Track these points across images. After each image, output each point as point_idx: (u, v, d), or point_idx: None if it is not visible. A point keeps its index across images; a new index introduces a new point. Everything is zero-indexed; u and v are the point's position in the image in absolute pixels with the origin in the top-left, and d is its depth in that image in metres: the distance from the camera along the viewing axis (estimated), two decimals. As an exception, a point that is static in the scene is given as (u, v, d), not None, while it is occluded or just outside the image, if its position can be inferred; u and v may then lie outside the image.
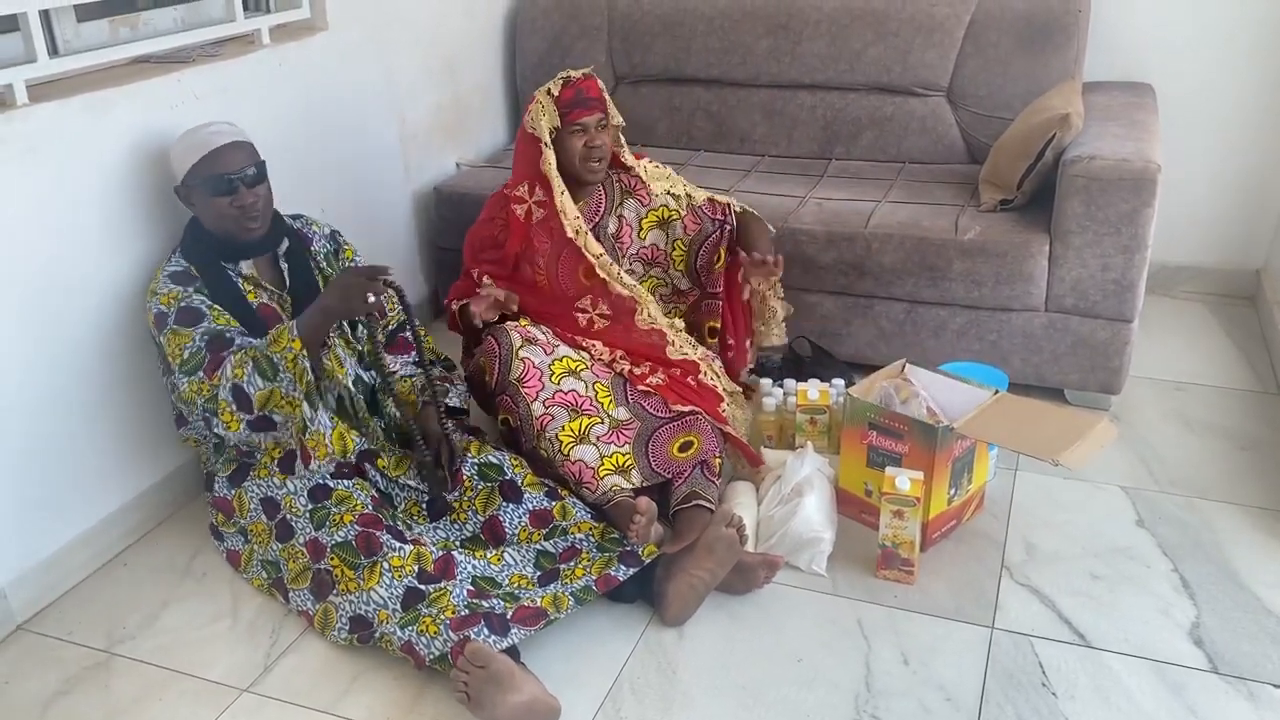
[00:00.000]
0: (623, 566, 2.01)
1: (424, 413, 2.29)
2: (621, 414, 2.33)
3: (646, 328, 2.42)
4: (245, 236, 2.15)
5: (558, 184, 2.41)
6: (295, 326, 2.00)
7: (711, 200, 2.60)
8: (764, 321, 2.65)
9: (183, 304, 2.07)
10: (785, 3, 3.33)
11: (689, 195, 2.59)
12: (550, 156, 2.40)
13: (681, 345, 2.44)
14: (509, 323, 2.39)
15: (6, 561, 2.06)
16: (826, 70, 3.29)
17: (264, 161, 2.15)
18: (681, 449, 2.29)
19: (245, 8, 2.54)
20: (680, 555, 2.05)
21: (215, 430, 2.07)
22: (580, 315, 2.48)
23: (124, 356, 2.23)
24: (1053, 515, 2.33)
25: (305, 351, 1.98)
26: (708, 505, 2.18)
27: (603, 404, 2.33)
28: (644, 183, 2.57)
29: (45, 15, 2.12)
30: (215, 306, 2.09)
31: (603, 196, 2.56)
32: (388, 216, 3.11)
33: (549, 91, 2.41)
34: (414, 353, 2.37)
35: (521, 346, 2.34)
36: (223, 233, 2.13)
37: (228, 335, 2.06)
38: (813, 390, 2.48)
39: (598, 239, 2.49)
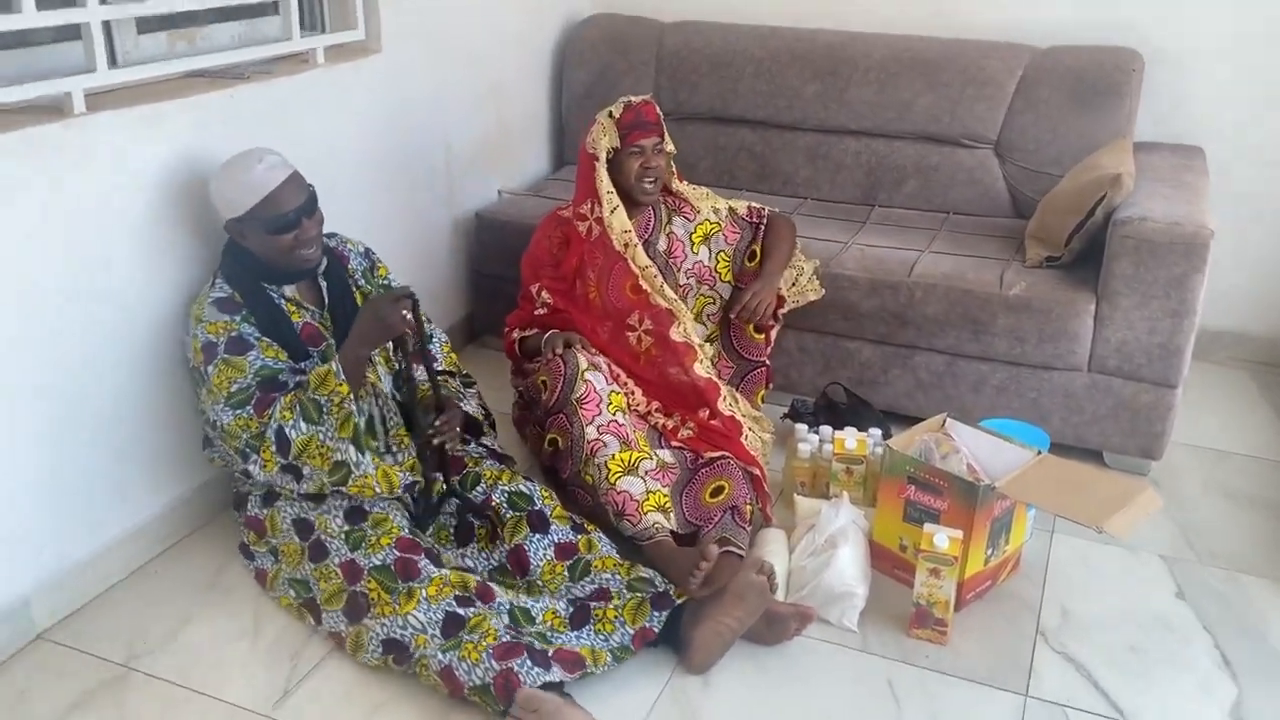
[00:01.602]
0: (656, 613, 1.98)
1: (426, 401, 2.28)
2: (666, 456, 2.36)
3: (680, 340, 2.46)
4: (302, 266, 2.15)
5: (608, 201, 2.47)
6: (339, 368, 2.01)
7: (749, 207, 2.68)
8: (794, 281, 2.70)
9: (231, 334, 2.06)
10: (835, 49, 3.32)
11: (730, 208, 2.67)
12: (603, 174, 2.47)
13: (704, 365, 2.48)
14: (580, 350, 2.42)
15: (30, 569, 2.04)
16: (874, 117, 3.28)
17: (314, 188, 2.15)
18: (713, 494, 2.28)
19: (302, 27, 2.55)
20: (709, 601, 2.01)
21: (249, 466, 2.06)
22: (630, 334, 2.52)
23: (159, 369, 2.22)
24: (1090, 581, 2.29)
25: (351, 395, 2.01)
26: (737, 551, 2.16)
27: (643, 448, 2.35)
28: (688, 202, 2.65)
29: (107, 26, 2.13)
30: (263, 338, 2.09)
31: (651, 215, 2.62)
32: (429, 240, 3.11)
33: (610, 114, 2.49)
34: (437, 362, 2.40)
35: (587, 369, 2.35)
36: (278, 264, 2.13)
37: (280, 378, 2.06)
38: (850, 439, 2.45)
39: (649, 256, 2.55)
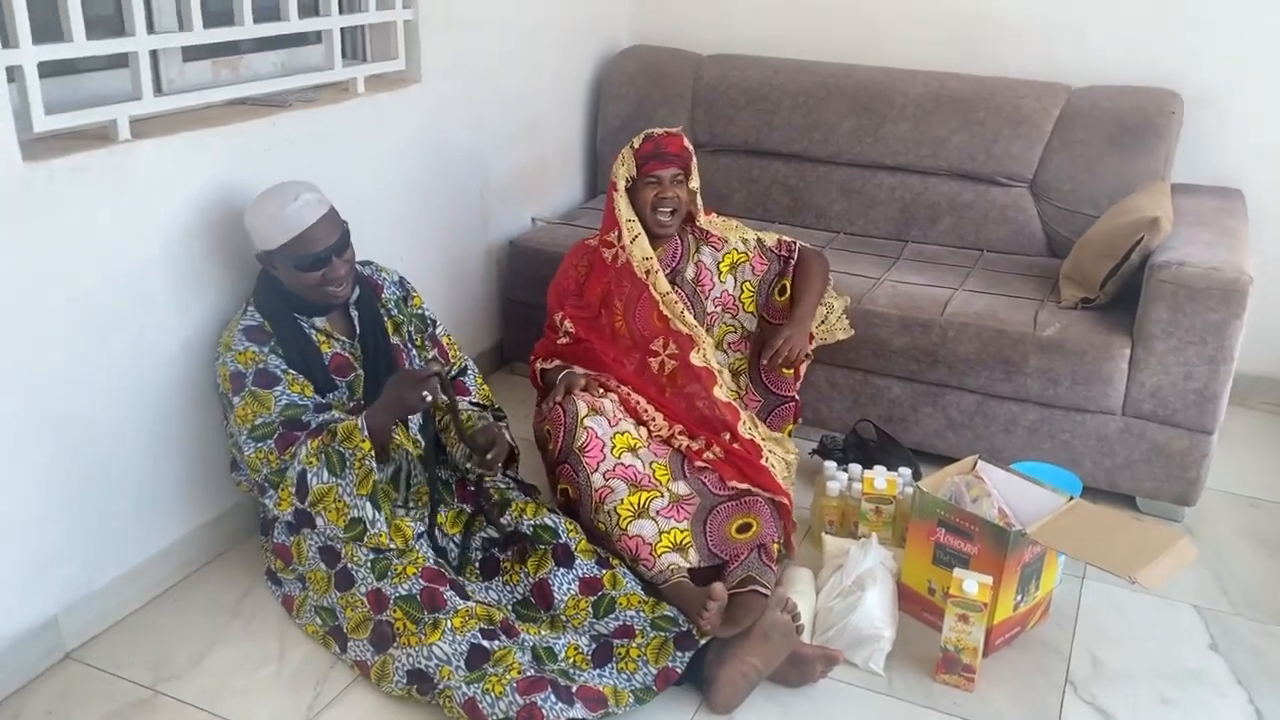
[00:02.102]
0: (679, 653, 1.97)
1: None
2: (681, 488, 2.33)
3: (700, 364, 2.46)
4: (330, 301, 2.17)
5: (629, 229, 2.51)
6: (365, 425, 2.03)
7: (779, 240, 2.67)
8: (823, 319, 2.71)
9: (259, 366, 2.08)
10: (872, 84, 3.33)
11: (759, 239, 2.67)
12: (621, 203, 2.50)
13: (724, 390, 2.49)
14: (580, 393, 2.40)
15: (60, 589, 2.06)
16: (909, 153, 3.27)
17: (347, 225, 2.16)
18: (740, 530, 2.25)
19: (344, 56, 2.58)
20: (733, 641, 2.00)
21: (265, 500, 2.10)
22: (653, 360, 2.52)
23: (191, 393, 2.24)
24: (1121, 630, 2.25)
25: (373, 453, 2.03)
26: (763, 591, 2.13)
27: (660, 481, 2.32)
28: (717, 234, 2.65)
29: (153, 54, 2.17)
30: (290, 371, 2.11)
31: (679, 245, 2.63)
32: (463, 267, 3.13)
33: (632, 145, 2.52)
34: (469, 398, 2.42)
35: (587, 415, 2.34)
36: (306, 297, 2.15)
37: (304, 418, 2.08)
38: (880, 479, 2.43)
39: (676, 285, 2.57)
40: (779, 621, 1.97)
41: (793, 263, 2.65)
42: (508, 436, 2.36)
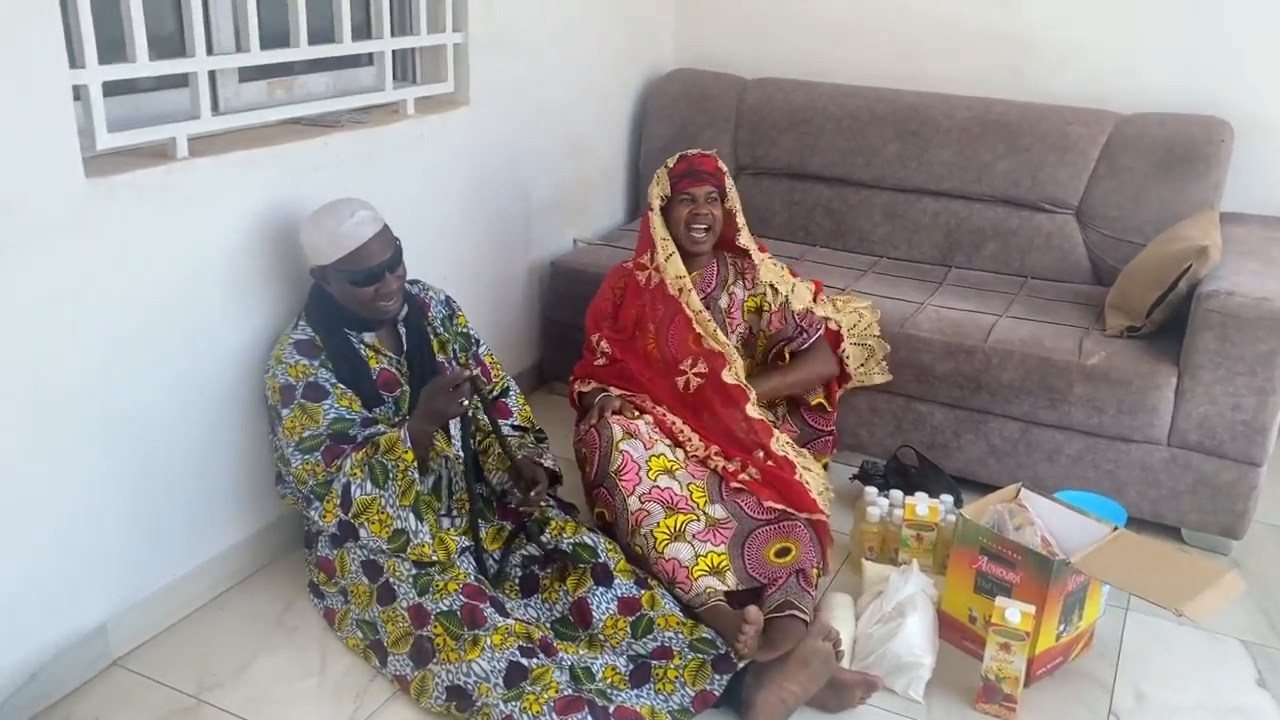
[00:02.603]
0: (717, 676, 1.97)
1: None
2: (718, 512, 2.32)
3: (732, 381, 2.46)
4: (382, 316, 2.20)
5: (663, 247, 2.52)
6: (407, 436, 2.06)
7: (807, 310, 2.64)
8: (863, 361, 2.73)
9: (309, 379, 2.12)
10: (916, 110, 3.33)
11: (788, 298, 2.63)
12: (656, 222, 2.53)
13: (755, 407, 2.47)
14: (614, 416, 2.41)
15: (110, 597, 2.10)
16: (953, 178, 3.27)
17: (400, 243, 2.20)
18: (779, 554, 2.25)
19: (394, 78, 2.63)
20: (772, 666, 1.99)
21: (311, 513, 2.13)
22: (678, 379, 2.53)
23: (241, 406, 2.28)
24: (1166, 663, 2.22)
25: (416, 464, 2.06)
26: (802, 616, 2.13)
27: (698, 503, 2.32)
28: (755, 268, 2.64)
29: (211, 74, 2.21)
30: (338, 385, 2.14)
31: (716, 271, 2.63)
32: (505, 286, 3.16)
33: (666, 165, 2.54)
34: (510, 420, 2.45)
35: (622, 439, 2.35)
36: (358, 312, 2.19)
37: (350, 432, 2.12)
38: (922, 505, 2.42)
39: (710, 309, 2.57)
40: (819, 649, 1.96)
41: (807, 340, 2.64)
42: (549, 461, 2.37)
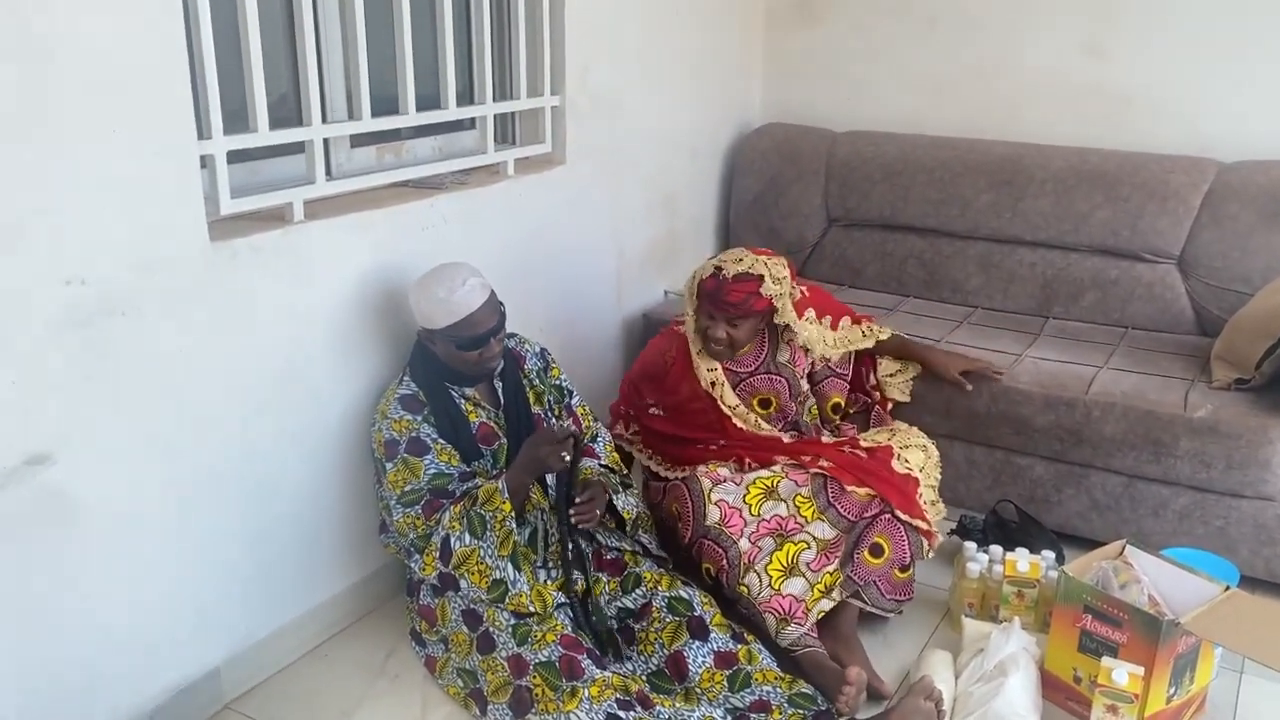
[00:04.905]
0: (818, 730, 1.96)
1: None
2: (825, 532, 2.33)
3: (792, 441, 2.53)
4: (483, 374, 2.28)
5: (694, 345, 2.53)
6: (505, 487, 2.11)
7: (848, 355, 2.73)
8: (893, 373, 2.80)
9: (413, 434, 2.19)
10: (1010, 160, 3.31)
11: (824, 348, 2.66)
12: (689, 321, 2.52)
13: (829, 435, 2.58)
14: (700, 468, 2.41)
15: (223, 642, 2.18)
16: (1049, 229, 3.24)
17: (504, 308, 2.27)
18: (873, 553, 2.32)
19: (495, 141, 2.72)
20: (872, 722, 1.98)
21: (411, 564, 2.20)
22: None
23: (348, 458, 2.36)
24: (1284, 729, 2.14)
25: (512, 514, 2.11)
26: (882, 615, 2.35)
27: (806, 517, 2.33)
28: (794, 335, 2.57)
29: (325, 142, 2.32)
30: (439, 441, 2.21)
31: (765, 331, 2.58)
32: (598, 339, 3.22)
33: (700, 271, 2.47)
34: (599, 461, 2.45)
35: (712, 490, 2.36)
36: (462, 371, 2.26)
37: (450, 487, 2.18)
38: (1023, 562, 2.37)
39: (772, 373, 2.56)
40: (922, 708, 1.95)
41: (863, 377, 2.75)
42: (629, 501, 2.38)
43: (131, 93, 1.78)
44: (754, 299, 2.40)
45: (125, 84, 1.77)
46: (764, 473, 2.40)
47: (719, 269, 2.42)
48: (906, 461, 2.44)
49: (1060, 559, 2.53)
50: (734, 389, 2.54)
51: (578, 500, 2.22)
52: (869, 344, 2.72)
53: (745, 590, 2.26)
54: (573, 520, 2.22)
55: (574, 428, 2.15)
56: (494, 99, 2.67)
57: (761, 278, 2.40)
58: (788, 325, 2.52)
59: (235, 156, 2.11)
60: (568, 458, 2.12)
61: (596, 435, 2.52)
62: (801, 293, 2.58)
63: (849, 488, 2.36)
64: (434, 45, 2.54)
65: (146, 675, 2.02)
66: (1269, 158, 3.08)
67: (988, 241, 3.35)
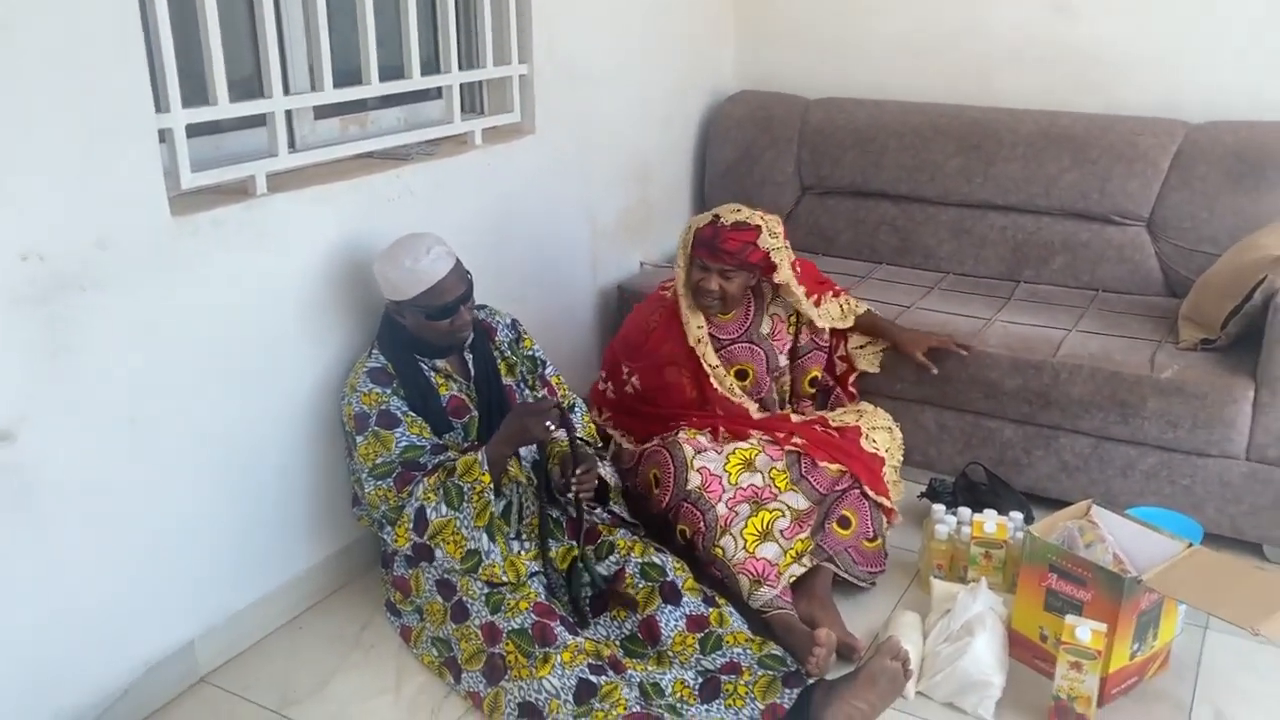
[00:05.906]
0: (787, 691, 1.98)
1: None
2: (799, 502, 2.37)
3: (760, 418, 2.55)
4: (454, 344, 2.28)
5: (685, 298, 2.54)
6: (484, 458, 2.11)
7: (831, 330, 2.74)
8: (862, 345, 2.83)
9: (382, 407, 2.19)
10: (980, 124, 3.31)
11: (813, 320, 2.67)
12: (680, 273, 2.54)
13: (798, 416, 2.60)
14: (680, 435, 2.43)
15: (198, 614, 2.18)
16: (1019, 192, 3.24)
17: (471, 276, 2.26)
18: (840, 524, 2.38)
19: (462, 110, 2.71)
20: (841, 682, 2.00)
21: (384, 536, 2.20)
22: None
23: (319, 430, 2.36)
24: (1246, 683, 2.17)
25: (491, 485, 2.11)
26: (856, 583, 2.40)
27: (780, 488, 2.37)
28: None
29: (288, 114, 2.31)
30: (410, 414, 2.21)
31: (750, 302, 2.61)
32: (573, 311, 3.22)
33: (697, 221, 2.50)
34: (575, 432, 2.42)
35: (695, 457, 2.38)
36: (432, 342, 2.26)
37: (421, 460, 2.18)
38: (990, 523, 2.40)
39: (752, 343, 2.58)
40: (888, 668, 1.97)
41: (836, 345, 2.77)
42: (606, 471, 2.41)
43: (85, 65, 1.76)
44: (750, 249, 2.43)
45: (79, 56, 1.75)
46: (742, 445, 2.43)
47: (717, 217, 2.46)
48: (874, 441, 2.53)
49: (1029, 520, 2.56)
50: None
51: (578, 471, 2.22)
52: (848, 323, 2.74)
53: (720, 552, 2.28)
54: (574, 491, 2.23)
55: (554, 399, 2.15)
56: (460, 68, 2.66)
57: (759, 229, 2.45)
58: (773, 298, 2.57)
59: (197, 130, 2.09)
60: (552, 427, 2.12)
61: (573, 405, 2.53)
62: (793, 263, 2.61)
63: (821, 463, 2.41)
64: (397, 13, 2.51)
65: (118, 651, 2.03)
66: (1237, 118, 3.09)
67: (959, 207, 3.36)
